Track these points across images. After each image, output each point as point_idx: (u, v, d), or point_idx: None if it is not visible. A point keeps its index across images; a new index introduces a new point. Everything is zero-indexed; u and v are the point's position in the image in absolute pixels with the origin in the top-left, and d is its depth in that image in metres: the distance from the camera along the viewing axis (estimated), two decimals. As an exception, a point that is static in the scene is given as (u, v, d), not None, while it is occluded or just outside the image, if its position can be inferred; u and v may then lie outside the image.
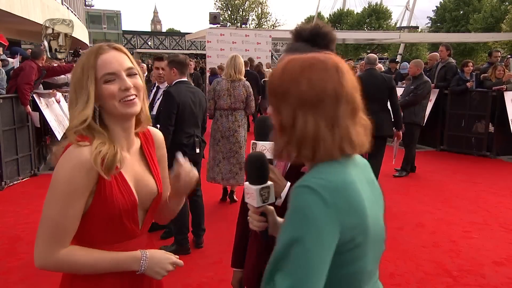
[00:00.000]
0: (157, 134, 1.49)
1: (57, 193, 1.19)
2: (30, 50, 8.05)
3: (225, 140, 5.09)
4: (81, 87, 1.23)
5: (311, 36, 1.56)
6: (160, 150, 1.49)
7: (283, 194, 1.48)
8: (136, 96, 1.27)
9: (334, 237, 0.99)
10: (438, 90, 8.21)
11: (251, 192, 1.23)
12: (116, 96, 1.24)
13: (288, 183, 1.49)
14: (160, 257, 1.33)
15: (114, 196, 1.24)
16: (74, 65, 7.86)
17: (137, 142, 1.38)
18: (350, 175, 1.06)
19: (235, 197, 5.44)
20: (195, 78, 10.55)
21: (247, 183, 1.25)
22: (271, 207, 1.28)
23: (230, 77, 5.06)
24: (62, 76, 7.29)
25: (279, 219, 1.33)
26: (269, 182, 1.25)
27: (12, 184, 6.11)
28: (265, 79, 11.43)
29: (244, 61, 13.01)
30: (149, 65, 13.23)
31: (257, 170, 1.24)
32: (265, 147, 1.44)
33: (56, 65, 7.32)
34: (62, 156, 1.21)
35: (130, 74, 1.27)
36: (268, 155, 1.44)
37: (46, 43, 7.95)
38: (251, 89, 5.25)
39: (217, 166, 5.16)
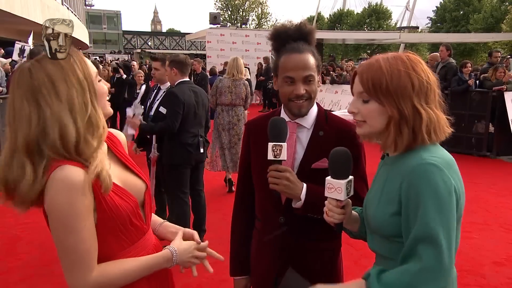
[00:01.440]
0: (120, 134, 1.46)
1: (64, 221, 1.12)
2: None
3: (226, 133, 5.57)
4: (84, 87, 1.16)
5: (301, 34, 1.58)
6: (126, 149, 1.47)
7: (303, 196, 1.48)
8: None
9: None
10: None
11: (337, 187, 1.25)
12: (105, 94, 1.28)
13: (305, 184, 1.49)
14: (185, 247, 1.38)
15: (117, 204, 1.23)
16: None
17: (103, 146, 1.30)
18: (450, 155, 1.20)
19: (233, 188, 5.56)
20: (201, 78, 10.50)
21: (330, 178, 1.27)
22: (349, 200, 1.31)
23: (233, 76, 5.53)
24: None
25: (354, 212, 1.39)
26: (351, 176, 1.27)
27: (12, 184, 6.11)
28: (248, 77, 11.46)
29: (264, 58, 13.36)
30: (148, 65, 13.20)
31: (345, 164, 1.26)
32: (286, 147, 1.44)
33: None
34: (53, 182, 1.09)
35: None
36: (285, 156, 1.43)
37: (29, 45, 7.95)
38: (249, 88, 5.77)
39: (220, 157, 5.65)
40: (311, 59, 1.55)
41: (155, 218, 1.51)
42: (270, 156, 1.43)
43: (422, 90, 1.17)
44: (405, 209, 1.14)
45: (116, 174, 1.28)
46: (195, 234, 1.45)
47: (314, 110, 1.64)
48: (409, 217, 1.12)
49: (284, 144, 1.42)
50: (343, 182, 1.23)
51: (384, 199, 1.21)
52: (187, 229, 1.47)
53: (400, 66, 1.18)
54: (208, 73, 11.94)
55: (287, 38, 1.58)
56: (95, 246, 1.18)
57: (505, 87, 7.81)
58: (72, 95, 1.12)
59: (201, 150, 3.94)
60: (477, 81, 8.38)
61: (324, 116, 1.64)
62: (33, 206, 1.15)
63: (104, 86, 1.27)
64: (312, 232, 1.59)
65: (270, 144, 1.43)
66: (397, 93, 1.16)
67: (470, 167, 7.41)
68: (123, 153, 1.38)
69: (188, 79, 4.00)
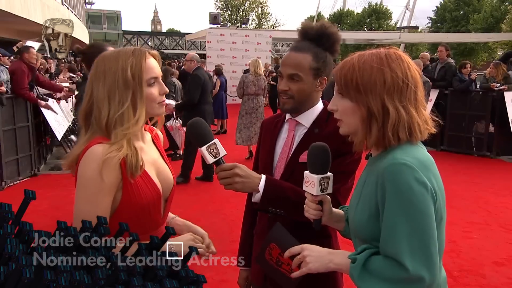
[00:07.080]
0: (159, 131, 1.57)
1: (86, 192, 1.22)
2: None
3: (248, 115, 7.48)
4: (128, 87, 1.28)
5: (317, 36, 1.57)
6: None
7: (261, 187, 1.45)
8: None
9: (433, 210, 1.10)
10: (438, 90, 8.21)
11: (311, 181, 1.25)
12: (157, 99, 1.35)
13: (264, 176, 1.47)
14: (183, 239, 1.38)
15: (142, 192, 1.29)
16: (63, 87, 8.04)
17: (147, 135, 1.46)
18: (429, 155, 1.16)
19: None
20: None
21: (307, 172, 1.27)
22: (328, 197, 1.31)
23: (256, 73, 7.48)
24: None
25: (334, 210, 1.37)
26: (329, 173, 1.27)
27: (12, 184, 6.10)
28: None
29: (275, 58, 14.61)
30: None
31: (321, 160, 1.26)
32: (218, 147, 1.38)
33: (47, 79, 7.53)
34: (88, 154, 1.23)
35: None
36: (223, 151, 1.37)
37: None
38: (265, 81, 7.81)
39: (239, 133, 7.47)
40: (307, 60, 1.53)
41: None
42: (210, 160, 1.35)
43: (395, 87, 1.13)
44: (381, 212, 1.12)
45: (152, 164, 1.37)
46: (205, 236, 1.46)
47: (317, 109, 1.63)
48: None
49: (216, 140, 1.36)
50: (316, 177, 1.24)
51: (361, 202, 1.20)
52: (199, 229, 1.47)
53: (374, 62, 1.14)
54: (211, 72, 11.94)
55: (302, 36, 1.60)
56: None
57: (506, 87, 7.80)
58: (114, 88, 1.28)
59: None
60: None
61: (326, 115, 1.62)
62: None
63: (153, 92, 1.33)
64: (296, 231, 1.59)
65: (204, 149, 1.34)
66: (367, 89, 1.13)
67: (470, 167, 7.42)
68: (160, 146, 1.51)
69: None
